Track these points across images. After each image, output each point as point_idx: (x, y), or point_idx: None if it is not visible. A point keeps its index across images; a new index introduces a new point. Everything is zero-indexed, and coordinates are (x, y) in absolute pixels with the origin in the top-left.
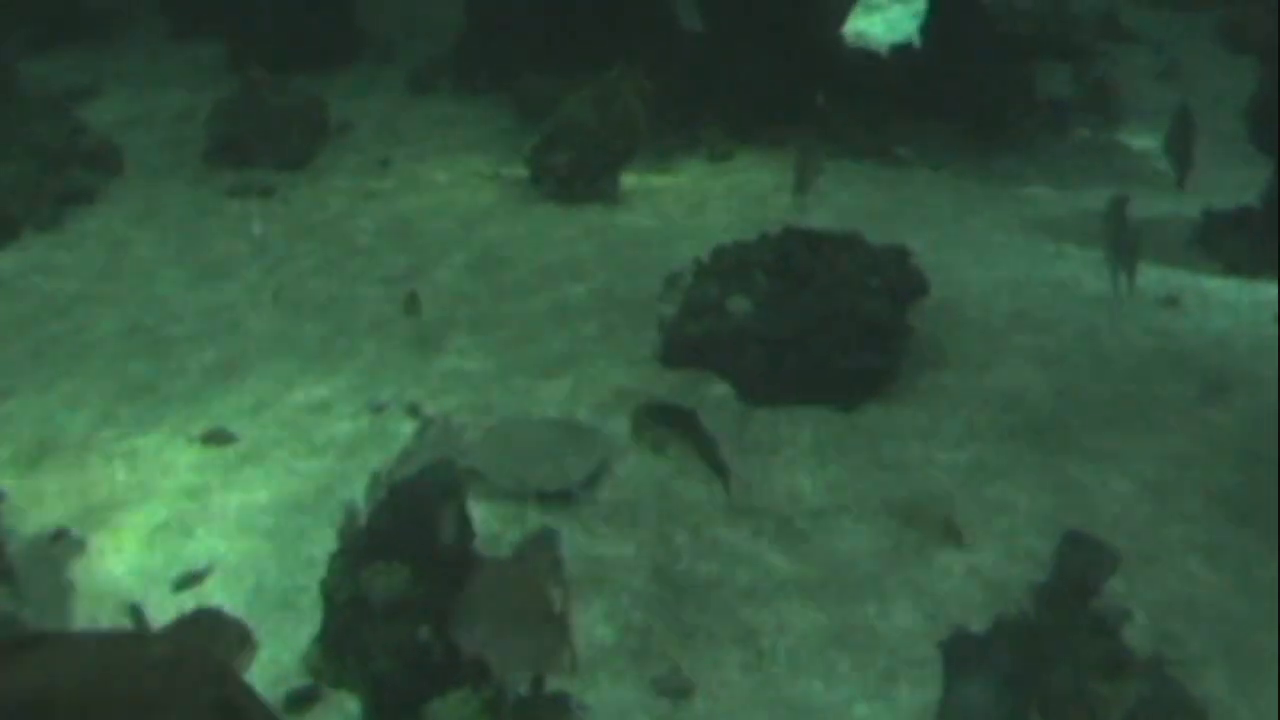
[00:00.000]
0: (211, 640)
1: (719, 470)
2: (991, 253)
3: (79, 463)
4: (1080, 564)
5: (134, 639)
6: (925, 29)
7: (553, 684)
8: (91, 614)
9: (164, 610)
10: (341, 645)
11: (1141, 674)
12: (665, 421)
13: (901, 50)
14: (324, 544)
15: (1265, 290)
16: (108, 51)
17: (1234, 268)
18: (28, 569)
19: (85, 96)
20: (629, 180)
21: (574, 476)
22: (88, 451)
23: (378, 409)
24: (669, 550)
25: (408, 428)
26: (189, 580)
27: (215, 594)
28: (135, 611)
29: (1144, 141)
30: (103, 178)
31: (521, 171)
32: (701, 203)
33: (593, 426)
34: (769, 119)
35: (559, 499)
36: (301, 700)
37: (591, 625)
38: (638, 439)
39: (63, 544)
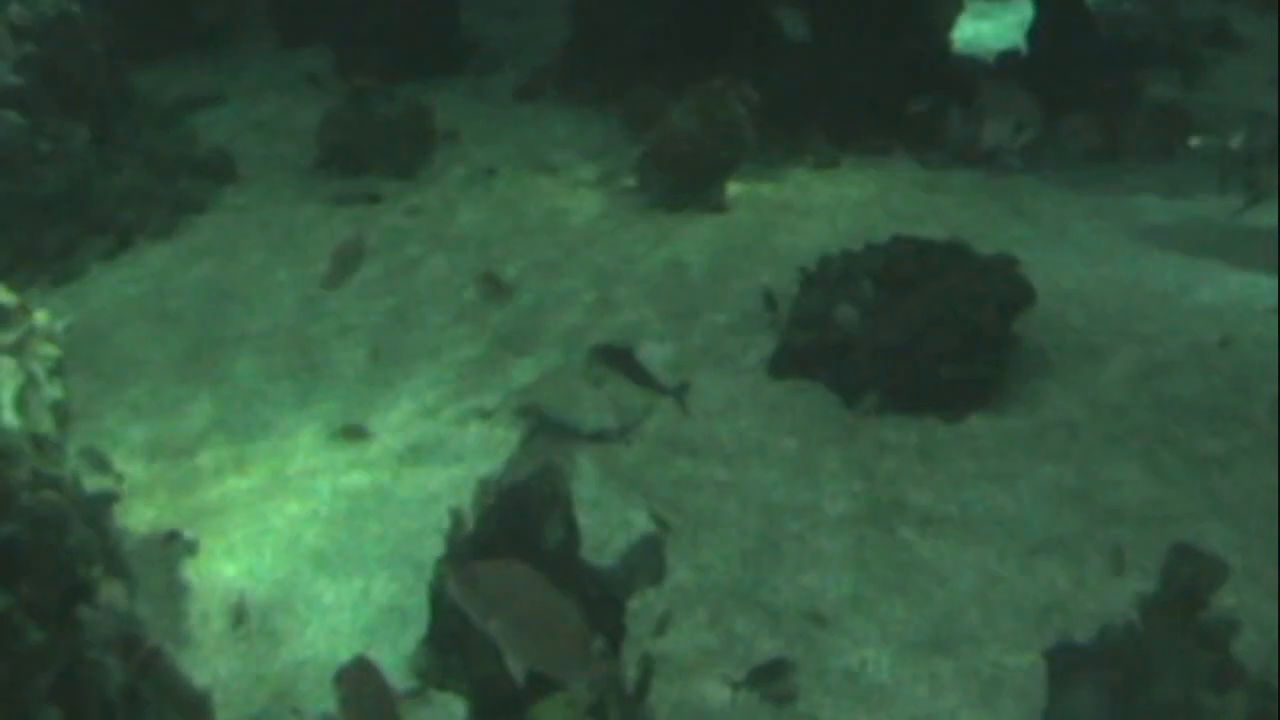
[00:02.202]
0: (376, 695)
1: (662, 391)
2: (1098, 261)
3: (193, 466)
4: (1188, 575)
5: None
6: (1032, 35)
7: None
8: (203, 612)
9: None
10: (447, 647)
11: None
12: (608, 359)
13: (1008, 57)
14: (432, 549)
15: None
16: (219, 62)
17: None
18: (141, 568)
19: (197, 106)
20: (735, 189)
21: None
22: (202, 453)
23: (485, 415)
24: None
25: (515, 433)
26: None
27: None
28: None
29: None
30: (214, 186)
31: (629, 181)
32: (807, 211)
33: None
34: (874, 127)
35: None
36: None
37: None
38: (586, 374)
39: (176, 545)
